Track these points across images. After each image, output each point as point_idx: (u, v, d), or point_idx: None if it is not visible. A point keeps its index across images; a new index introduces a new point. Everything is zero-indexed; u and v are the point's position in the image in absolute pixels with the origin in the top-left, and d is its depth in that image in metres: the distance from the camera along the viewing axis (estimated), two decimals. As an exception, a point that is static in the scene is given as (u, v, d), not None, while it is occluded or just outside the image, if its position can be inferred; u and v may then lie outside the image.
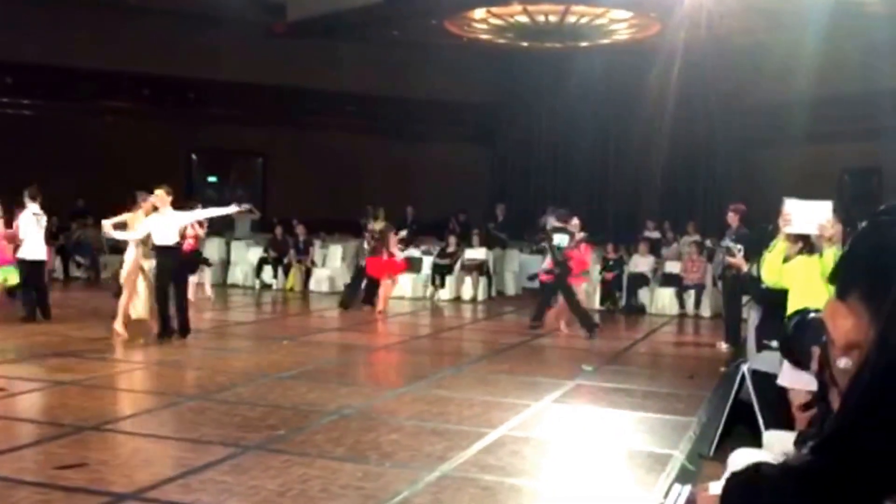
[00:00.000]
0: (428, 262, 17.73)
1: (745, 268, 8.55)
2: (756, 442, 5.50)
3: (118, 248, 19.92)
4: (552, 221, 19.51)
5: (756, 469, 1.05)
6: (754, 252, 9.31)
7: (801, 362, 4.27)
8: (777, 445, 4.50)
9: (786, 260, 5.96)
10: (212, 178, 25.79)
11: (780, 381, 5.48)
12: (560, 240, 13.04)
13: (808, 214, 5.66)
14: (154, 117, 23.42)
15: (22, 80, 22.43)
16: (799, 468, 0.98)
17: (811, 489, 0.95)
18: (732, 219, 11.55)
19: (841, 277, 1.03)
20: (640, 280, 16.33)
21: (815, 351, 3.62)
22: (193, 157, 25.18)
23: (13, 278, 12.09)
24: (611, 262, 16.57)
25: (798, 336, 3.91)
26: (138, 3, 21.45)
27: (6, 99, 22.73)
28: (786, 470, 1.00)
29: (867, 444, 0.91)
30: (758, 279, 8.35)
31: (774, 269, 5.95)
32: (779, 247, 6.02)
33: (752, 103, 22.08)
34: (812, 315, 3.90)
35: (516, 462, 6.08)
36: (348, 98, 24.44)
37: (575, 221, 13.63)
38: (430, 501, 5.20)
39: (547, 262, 13.40)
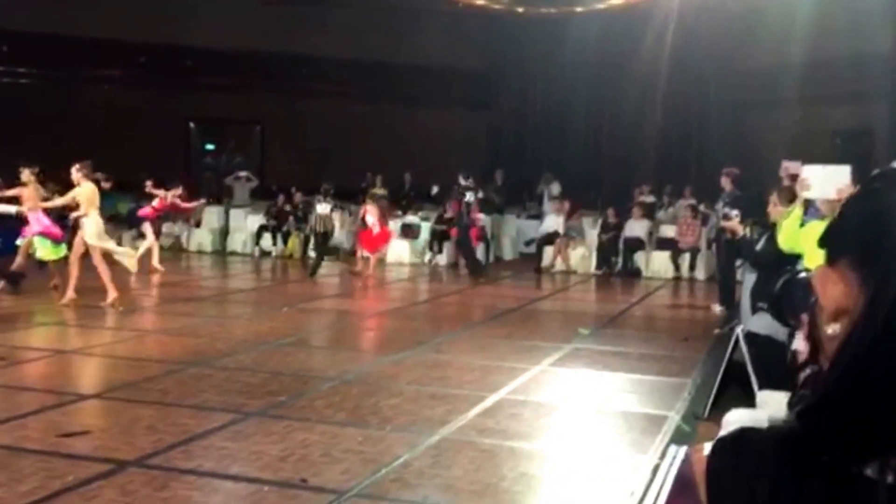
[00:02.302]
0: (426, 228, 17.67)
1: (740, 232, 8.52)
2: (750, 402, 5.50)
3: (119, 219, 19.92)
4: (550, 189, 19.54)
5: (741, 433, 1.05)
6: (747, 215, 9.28)
7: (786, 320, 4.26)
8: (771, 405, 4.50)
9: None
10: (210, 147, 25.69)
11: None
12: (470, 198, 15.22)
13: (827, 179, 5.63)
14: (151, 86, 23.26)
15: (15, 48, 22.23)
16: (782, 432, 0.97)
17: (792, 453, 0.94)
18: (726, 182, 11.51)
19: (831, 243, 1.01)
20: (635, 244, 16.32)
21: (805, 318, 3.61)
22: (191, 125, 25.06)
23: (45, 252, 11.75)
24: (611, 226, 16.56)
25: (787, 294, 3.90)
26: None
27: (2, 67, 22.54)
28: (770, 434, 1.00)
29: (851, 411, 0.90)
30: (751, 242, 8.34)
31: (792, 234, 5.92)
32: (795, 213, 5.98)
33: (744, 67, 21.96)
34: (802, 275, 3.88)
35: (515, 425, 6.09)
36: (344, 65, 24.28)
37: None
38: (430, 465, 5.20)
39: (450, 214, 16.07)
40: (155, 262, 15.00)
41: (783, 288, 3.68)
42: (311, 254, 16.41)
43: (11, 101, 21.68)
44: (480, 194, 15.61)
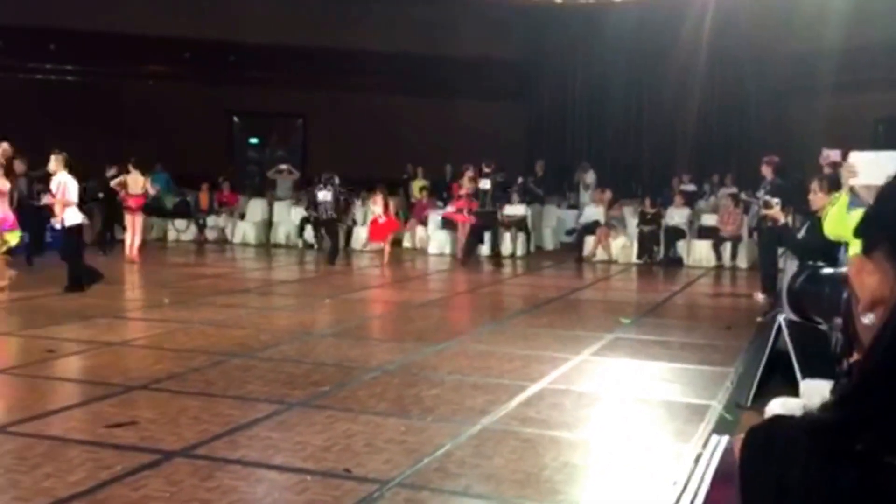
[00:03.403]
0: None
1: (782, 219, 8.37)
2: (793, 391, 5.40)
3: (160, 209, 20.11)
4: (586, 178, 19.43)
5: (774, 421, 1.03)
6: (789, 203, 9.12)
7: (808, 315, 4.16)
8: (814, 394, 4.40)
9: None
10: (253, 140, 25.83)
11: None
12: (485, 184, 15.50)
13: (876, 166, 5.46)
14: (195, 81, 23.44)
15: (65, 46, 22.49)
16: (816, 420, 0.95)
17: (826, 442, 0.92)
18: (766, 170, 11.33)
19: (867, 233, 0.99)
20: (676, 233, 16.13)
21: (838, 322, 3.51)
22: (235, 119, 25.22)
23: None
24: (648, 216, 16.36)
25: (811, 290, 3.79)
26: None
27: (49, 65, 22.84)
28: (803, 422, 0.97)
29: (886, 400, 0.89)
30: (793, 230, 8.19)
31: (839, 222, 5.78)
32: (842, 200, 5.85)
33: (783, 54, 21.61)
34: (824, 270, 3.77)
35: (556, 415, 6.03)
36: (385, 58, 24.26)
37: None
38: (472, 454, 5.17)
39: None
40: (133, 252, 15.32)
41: (806, 283, 3.59)
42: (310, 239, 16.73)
43: (60, 97, 21.99)
44: (499, 177, 15.77)
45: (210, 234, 19.68)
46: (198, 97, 22.94)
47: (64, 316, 9.57)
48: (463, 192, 15.98)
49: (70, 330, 8.83)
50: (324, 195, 15.83)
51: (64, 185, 11.36)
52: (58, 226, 11.57)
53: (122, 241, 16.03)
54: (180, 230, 19.80)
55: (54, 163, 11.62)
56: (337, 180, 16.07)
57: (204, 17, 22.57)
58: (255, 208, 19.82)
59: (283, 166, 19.90)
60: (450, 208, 16.73)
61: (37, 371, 7.05)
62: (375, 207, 15.88)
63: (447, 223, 17.17)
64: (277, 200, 19.89)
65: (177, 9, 22.26)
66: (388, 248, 15.71)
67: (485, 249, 16.89)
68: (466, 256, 15.56)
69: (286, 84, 24.00)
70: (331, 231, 16.06)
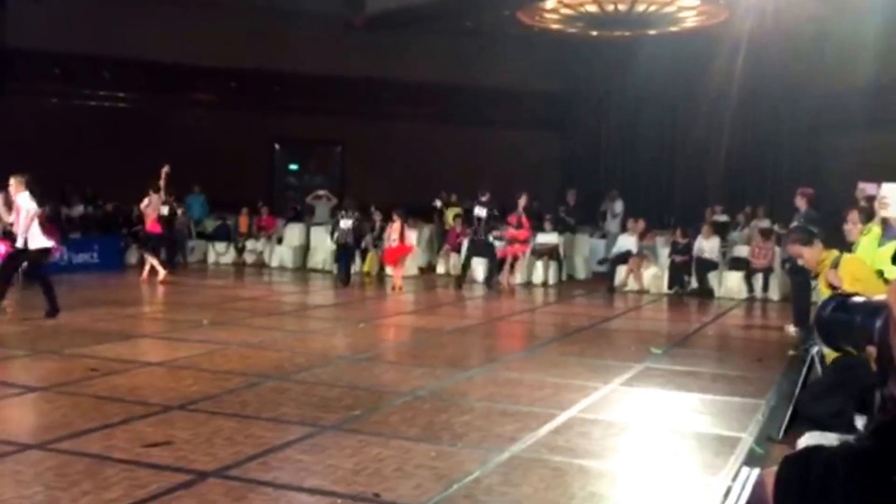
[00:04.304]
0: (499, 247, 17.57)
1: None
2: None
3: (205, 234, 20.36)
4: (614, 207, 19.34)
5: (810, 450, 1.00)
6: (821, 234, 8.99)
7: (840, 345, 4.10)
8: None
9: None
10: (293, 166, 26.03)
11: None
12: (480, 212, 15.68)
13: None
14: (240, 109, 23.73)
15: (116, 74, 22.94)
16: (852, 450, 0.92)
17: (861, 471, 0.91)
18: (801, 202, 11.20)
19: None
20: (707, 264, 15.95)
21: (872, 350, 3.44)
22: (276, 146, 25.45)
23: None
24: (680, 246, 16.21)
25: (842, 319, 3.74)
26: (227, 0, 21.71)
27: (103, 92, 23.27)
28: (840, 451, 0.94)
29: None
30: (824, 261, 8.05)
31: (871, 254, 5.71)
32: (873, 231, 5.77)
33: (816, 89, 21.44)
34: (856, 299, 3.73)
35: (585, 444, 5.96)
36: (422, 88, 24.43)
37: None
38: (501, 482, 5.11)
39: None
40: (147, 275, 15.67)
41: (835, 312, 3.54)
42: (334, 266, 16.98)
43: (112, 123, 22.38)
44: (490, 212, 15.81)
45: (248, 258, 19.82)
46: (241, 124, 23.22)
47: (108, 336, 9.65)
48: (513, 220, 16.09)
49: (113, 349, 8.91)
50: (345, 223, 16.33)
51: (27, 211, 10.75)
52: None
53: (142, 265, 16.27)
54: (220, 253, 19.97)
55: (14, 185, 10.96)
56: (353, 212, 16.59)
57: (249, 48, 22.91)
58: (293, 233, 19.93)
59: (321, 192, 20.02)
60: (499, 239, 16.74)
61: (80, 389, 7.11)
62: (393, 234, 16.07)
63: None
64: (315, 226, 20.00)
65: (224, 40, 22.61)
66: (397, 272, 15.84)
67: (518, 278, 16.84)
68: (460, 283, 15.92)
69: (326, 112, 24.21)
70: (350, 256, 16.62)
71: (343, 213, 16.58)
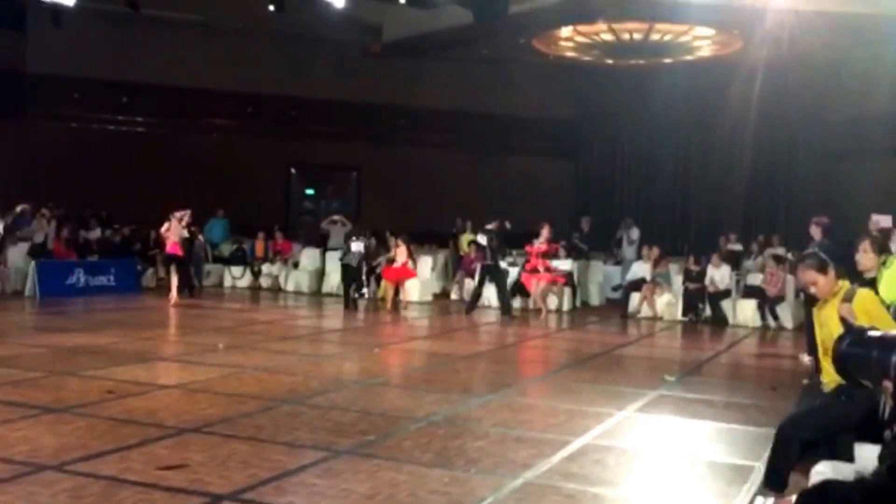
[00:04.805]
0: (514, 274, 17.60)
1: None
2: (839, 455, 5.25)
3: (221, 258, 20.48)
4: (630, 234, 19.34)
5: (826, 484, 1.01)
6: (838, 265, 8.95)
7: (855, 378, 4.05)
8: (861, 458, 4.28)
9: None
10: (309, 191, 26.17)
11: None
12: (481, 239, 16.07)
13: None
14: (257, 134, 23.92)
15: (135, 99, 23.18)
16: (869, 485, 0.93)
17: None
18: (815, 232, 11.16)
19: None
20: (721, 292, 15.90)
21: (888, 385, 3.40)
22: (292, 170, 25.61)
23: None
24: (694, 274, 16.18)
25: (858, 353, 3.70)
26: (245, 26, 21.93)
27: (121, 117, 23.51)
28: (857, 486, 0.95)
29: None
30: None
31: (893, 286, 5.68)
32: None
33: (832, 117, 21.44)
34: (872, 333, 3.69)
35: (599, 471, 5.94)
36: (438, 115, 24.59)
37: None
38: (514, 509, 5.10)
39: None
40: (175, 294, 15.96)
41: (851, 347, 3.49)
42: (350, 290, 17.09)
43: (129, 147, 22.60)
44: (489, 241, 15.96)
45: (264, 282, 19.89)
46: (258, 150, 23.39)
47: (125, 358, 9.71)
48: (535, 249, 16.16)
49: (129, 372, 8.96)
50: (357, 246, 16.60)
51: None
52: None
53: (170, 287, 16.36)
54: (236, 277, 20.06)
55: None
56: (363, 236, 17.02)
57: (267, 73, 23.11)
58: (309, 258, 20.01)
59: (337, 217, 20.11)
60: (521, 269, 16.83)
61: (96, 411, 7.15)
62: (400, 257, 16.43)
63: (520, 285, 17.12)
64: (330, 250, 20.06)
65: (242, 65, 22.83)
66: (390, 293, 16.20)
67: (530, 304, 16.83)
68: (470, 309, 16.00)
69: (343, 138, 24.39)
70: (356, 278, 16.88)
71: (354, 236, 16.79)
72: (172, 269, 16.27)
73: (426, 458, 6.06)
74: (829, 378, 4.67)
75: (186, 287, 16.82)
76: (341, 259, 16.97)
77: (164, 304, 15.70)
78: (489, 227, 16.01)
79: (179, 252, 16.29)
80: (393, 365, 10.73)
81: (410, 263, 16.76)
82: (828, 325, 4.78)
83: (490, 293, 16.64)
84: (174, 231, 16.23)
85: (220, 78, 22.89)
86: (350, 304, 16.33)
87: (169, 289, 16.23)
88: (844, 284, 4.80)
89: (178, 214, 16.32)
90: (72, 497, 4.99)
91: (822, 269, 4.82)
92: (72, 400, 7.54)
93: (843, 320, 4.59)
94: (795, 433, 4.72)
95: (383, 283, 17.84)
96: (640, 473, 6.03)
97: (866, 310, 4.57)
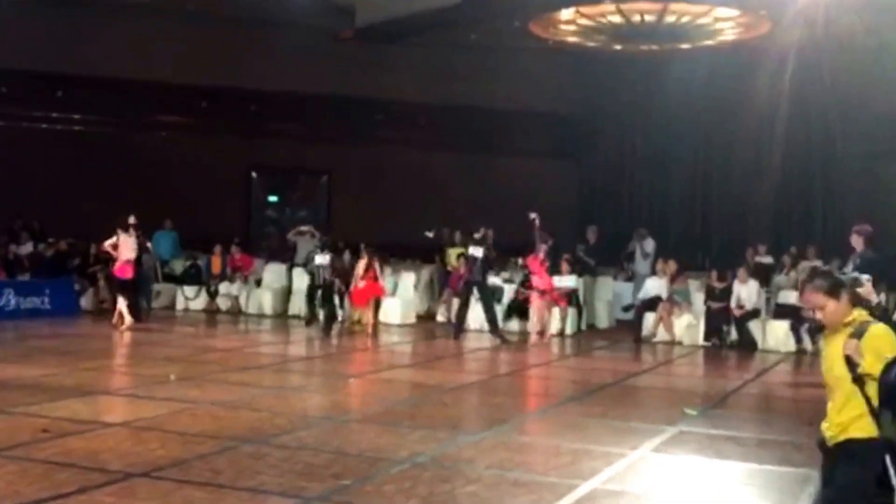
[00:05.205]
0: (509, 291, 17.64)
1: (874, 299, 8.24)
2: (889, 496, 5.28)
3: (173, 276, 20.43)
4: (644, 247, 19.39)
5: None
6: (883, 279, 9.01)
7: None
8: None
9: None
10: (273, 198, 26.18)
11: None
12: (476, 252, 15.72)
13: None
14: (211, 133, 23.89)
15: (70, 93, 23.04)
16: None
17: None
18: (857, 242, 11.21)
19: None
20: (749, 312, 15.96)
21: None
22: (253, 175, 25.61)
23: None
24: (717, 292, 16.24)
25: None
26: (196, 8, 21.93)
27: (55, 113, 23.42)
28: None
29: None
30: (887, 310, 8.06)
31: None
32: None
33: (876, 111, 21.51)
34: None
35: (610, 520, 5.97)
36: (420, 109, 24.61)
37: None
38: (513, 563, 5.12)
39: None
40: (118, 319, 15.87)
41: None
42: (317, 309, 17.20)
43: (65, 148, 22.51)
44: (487, 252, 15.94)
45: (222, 303, 19.86)
46: (213, 150, 23.36)
47: (62, 392, 9.67)
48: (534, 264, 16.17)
49: (67, 407, 8.93)
50: (322, 259, 16.54)
51: None
52: None
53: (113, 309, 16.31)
54: (189, 298, 20.01)
55: None
56: (326, 249, 16.98)
57: (223, 63, 23.02)
58: (273, 275, 19.99)
59: (305, 228, 20.08)
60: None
61: (29, 453, 7.12)
62: (360, 271, 16.36)
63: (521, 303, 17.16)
64: (297, 266, 20.04)
65: (195, 54, 22.76)
66: (369, 317, 16.19)
67: (530, 326, 16.86)
68: (457, 333, 15.97)
69: (311, 137, 24.40)
70: (326, 297, 16.68)
71: (319, 247, 16.80)
72: (119, 294, 16.15)
73: (411, 506, 6.07)
74: (834, 430, 4.58)
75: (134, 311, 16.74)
76: (306, 268, 16.99)
77: (107, 330, 15.64)
78: (477, 235, 16.01)
79: (130, 275, 16.13)
80: (371, 398, 10.72)
81: (380, 279, 16.68)
82: (828, 360, 4.56)
83: (479, 313, 16.61)
84: (125, 246, 16.03)
85: (169, 69, 22.85)
86: (323, 326, 16.22)
87: (113, 311, 16.15)
88: (859, 314, 4.53)
89: (132, 221, 16.18)
90: (1, 554, 4.97)
91: (832, 292, 4.50)
92: (1, 440, 7.51)
93: (848, 359, 4.40)
94: None
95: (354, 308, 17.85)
96: (658, 521, 6.06)
97: (878, 351, 4.35)
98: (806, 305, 4.93)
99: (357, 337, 16.18)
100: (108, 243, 16.22)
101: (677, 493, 6.70)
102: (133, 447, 7.43)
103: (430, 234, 19.63)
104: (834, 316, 4.48)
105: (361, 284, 16.22)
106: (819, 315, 4.55)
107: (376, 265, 16.34)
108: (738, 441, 8.46)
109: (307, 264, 16.82)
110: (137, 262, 16.70)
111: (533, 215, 15.85)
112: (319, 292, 16.99)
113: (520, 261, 18.62)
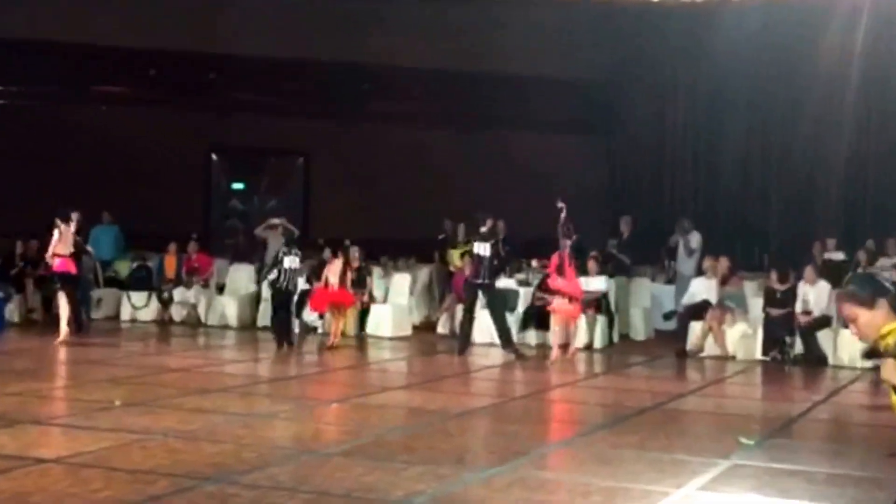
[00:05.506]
0: (525, 296, 17.61)
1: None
2: None
3: (117, 280, 20.40)
4: (689, 241, 19.30)
5: None
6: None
7: None
8: None
9: None
10: (238, 185, 26.18)
11: None
12: (481, 249, 15.77)
13: None
14: (161, 106, 23.87)
15: (-6, 59, 23.02)
16: None
17: None
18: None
19: None
20: (817, 320, 15.96)
21: None
22: (213, 157, 25.62)
23: None
24: (778, 295, 16.23)
25: None
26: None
27: (-28, 84, 23.41)
28: None
29: None
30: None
31: None
32: None
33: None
34: None
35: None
36: (412, 76, 24.54)
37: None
38: None
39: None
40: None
41: None
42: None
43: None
44: (496, 249, 15.90)
45: (177, 313, 19.85)
46: (165, 128, 23.35)
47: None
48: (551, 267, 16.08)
49: (-14, 441, 8.93)
50: (291, 261, 16.55)
51: None
52: None
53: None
54: (137, 306, 20.02)
55: None
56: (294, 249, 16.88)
57: (175, 23, 22.96)
58: (239, 280, 19.98)
59: (277, 221, 20.07)
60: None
61: (-59, 497, 7.12)
62: (331, 276, 16.52)
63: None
64: (266, 270, 20.07)
65: (140, 14, 22.68)
66: (337, 329, 16.50)
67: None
68: (462, 347, 15.96)
69: (282, 111, 24.38)
70: (286, 305, 16.78)
71: (285, 248, 16.76)
72: (61, 294, 16.14)
73: (409, 558, 6.08)
74: None
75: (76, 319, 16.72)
76: (267, 280, 17.03)
77: (37, 345, 15.64)
78: (484, 228, 15.97)
79: (73, 270, 16.17)
80: (358, 427, 10.70)
81: (349, 284, 16.83)
82: (887, 375, 4.53)
83: (488, 323, 16.59)
84: (64, 241, 16.07)
85: (110, 30, 22.81)
86: (278, 344, 16.28)
87: (58, 321, 16.11)
88: (894, 328, 4.46)
89: (74, 217, 16.19)
90: None
91: (864, 300, 4.47)
92: None
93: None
94: None
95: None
96: (710, 574, 6.06)
97: None
98: (841, 314, 4.86)
99: (341, 354, 16.18)
100: (52, 246, 16.18)
101: (732, 539, 6.70)
102: (70, 488, 7.42)
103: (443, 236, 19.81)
104: (867, 329, 4.43)
105: (331, 289, 16.41)
106: (853, 329, 4.52)
107: (348, 271, 16.64)
108: (805, 476, 8.44)
109: (276, 265, 16.73)
110: (76, 258, 16.73)
111: (560, 204, 15.78)
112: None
113: (534, 263, 18.65)
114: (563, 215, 15.78)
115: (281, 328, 16.45)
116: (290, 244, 16.90)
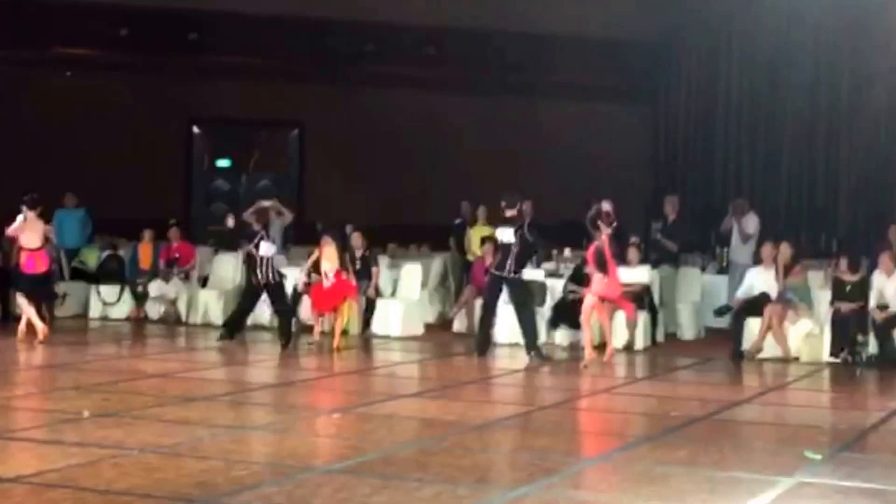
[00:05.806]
0: (556, 289, 17.61)
1: None
2: None
3: (85, 272, 20.47)
4: (745, 226, 19.24)
5: None
6: None
7: None
8: None
9: None
10: (223, 163, 26.21)
11: None
12: (505, 236, 15.90)
13: None
14: (136, 71, 23.90)
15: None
16: None
17: None
18: None
19: None
20: (893, 316, 15.93)
21: None
22: (195, 129, 25.66)
23: None
24: (849, 288, 16.20)
25: None
26: None
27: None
28: None
29: None
30: None
31: None
32: None
33: None
34: None
35: None
36: (425, 35, 24.50)
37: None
38: None
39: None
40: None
41: None
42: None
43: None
44: (522, 234, 15.81)
45: (154, 309, 19.89)
46: (139, 96, 23.43)
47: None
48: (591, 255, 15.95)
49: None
50: (267, 248, 16.55)
51: None
52: None
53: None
54: (108, 302, 20.06)
55: None
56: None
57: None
58: (225, 271, 20.00)
59: (268, 203, 20.14)
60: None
61: None
62: (325, 263, 16.52)
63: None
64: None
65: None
66: (338, 327, 16.55)
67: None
68: (482, 348, 16.07)
69: (274, 75, 24.41)
70: (278, 300, 16.90)
71: (263, 232, 16.76)
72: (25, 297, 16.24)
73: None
74: None
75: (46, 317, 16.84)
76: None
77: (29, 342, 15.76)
78: (510, 213, 15.92)
79: (44, 268, 16.22)
80: (364, 440, 10.73)
81: (345, 273, 16.83)
82: None
83: (511, 320, 16.61)
84: (32, 231, 16.05)
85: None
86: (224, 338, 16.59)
87: (19, 320, 16.25)
88: None
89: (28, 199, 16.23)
90: None
91: None
92: None
93: None
94: None
95: (346, 305, 17.92)
96: None
97: None
98: None
99: (342, 356, 16.23)
100: (12, 228, 16.25)
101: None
102: (35, 511, 7.46)
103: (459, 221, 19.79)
104: None
105: (327, 283, 16.38)
106: None
107: (345, 257, 16.76)
108: (880, 496, 8.44)
109: (251, 259, 16.71)
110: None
111: (607, 207, 15.71)
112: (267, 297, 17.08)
113: (566, 252, 18.62)
114: (600, 209, 15.61)
115: (284, 326, 16.56)
116: (267, 228, 16.89)
